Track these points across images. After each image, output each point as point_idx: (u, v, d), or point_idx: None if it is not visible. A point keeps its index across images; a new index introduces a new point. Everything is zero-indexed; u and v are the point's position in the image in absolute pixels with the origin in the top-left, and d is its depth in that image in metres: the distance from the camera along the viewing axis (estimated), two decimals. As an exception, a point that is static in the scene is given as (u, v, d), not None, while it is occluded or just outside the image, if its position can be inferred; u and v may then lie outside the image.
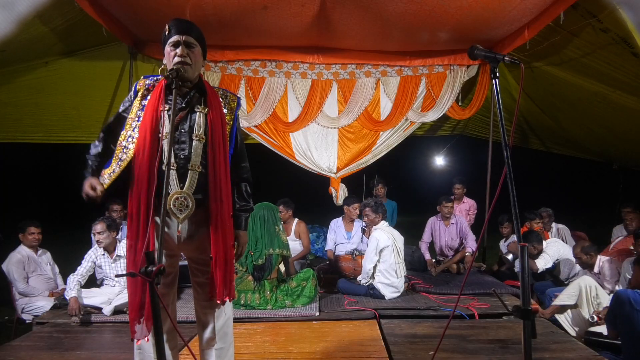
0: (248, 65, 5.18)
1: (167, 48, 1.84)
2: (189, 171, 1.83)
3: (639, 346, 2.14)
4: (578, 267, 4.10)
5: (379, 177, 5.76)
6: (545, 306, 3.74)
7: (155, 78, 1.92)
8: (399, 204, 6.15)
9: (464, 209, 5.81)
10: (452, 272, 4.78)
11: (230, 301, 1.95)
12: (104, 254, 3.73)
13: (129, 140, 1.84)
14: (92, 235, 4.65)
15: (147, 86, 1.89)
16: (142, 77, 1.95)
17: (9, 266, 3.84)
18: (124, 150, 1.84)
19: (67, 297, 3.48)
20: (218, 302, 1.90)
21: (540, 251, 4.23)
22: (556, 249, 4.26)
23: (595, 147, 6.18)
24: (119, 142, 1.87)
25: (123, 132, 1.87)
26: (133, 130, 1.84)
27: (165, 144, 1.77)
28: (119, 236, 4.06)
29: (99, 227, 3.69)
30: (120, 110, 1.94)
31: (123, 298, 3.51)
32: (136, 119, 1.85)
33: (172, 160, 1.80)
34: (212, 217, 1.84)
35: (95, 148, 1.92)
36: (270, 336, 3.14)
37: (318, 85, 5.31)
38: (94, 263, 3.72)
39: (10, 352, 2.87)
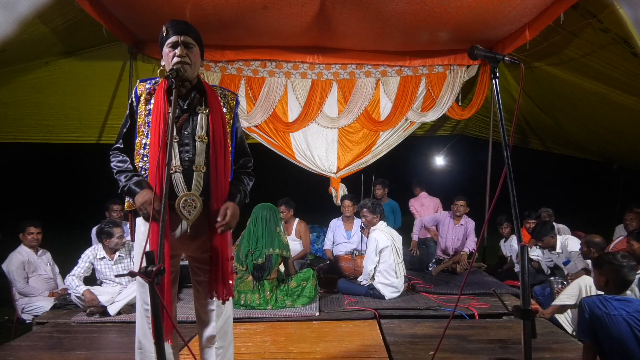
0: (248, 65, 5.18)
1: (166, 49, 1.84)
2: (194, 172, 1.84)
3: (617, 350, 2.15)
4: (580, 265, 4.08)
5: (377, 178, 5.75)
6: (544, 306, 3.73)
7: (153, 81, 1.91)
8: (398, 204, 6.14)
9: (431, 206, 5.85)
10: (453, 272, 4.78)
11: (228, 300, 1.95)
12: (104, 257, 3.69)
13: (146, 149, 1.85)
14: (91, 237, 4.66)
15: (147, 90, 1.88)
16: (138, 81, 1.94)
17: (9, 266, 3.84)
18: (144, 159, 1.85)
19: (77, 294, 3.46)
20: (218, 300, 1.90)
21: (554, 244, 4.19)
22: (576, 245, 4.16)
23: (595, 147, 6.18)
24: (136, 150, 1.88)
25: (137, 140, 1.88)
26: (146, 137, 1.85)
27: (176, 147, 1.81)
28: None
29: (118, 230, 3.70)
30: (127, 120, 1.92)
31: (128, 297, 3.51)
32: (146, 125, 1.85)
33: (178, 162, 1.82)
34: (213, 217, 1.84)
35: (124, 159, 1.89)
36: (270, 336, 3.14)
37: (318, 85, 5.31)
38: (92, 264, 3.68)
39: (10, 352, 2.87)
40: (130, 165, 1.87)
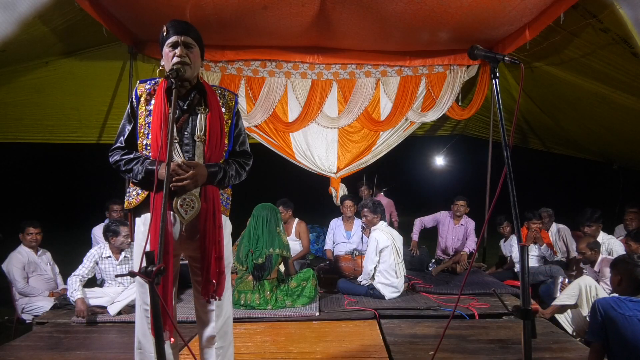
0: (248, 65, 5.18)
1: (166, 49, 1.84)
2: None
3: (629, 352, 2.14)
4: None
5: (363, 180, 5.78)
6: (547, 306, 3.73)
7: (153, 82, 1.92)
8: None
9: (388, 206, 5.95)
10: (453, 272, 4.78)
11: (218, 299, 1.93)
12: (109, 257, 3.68)
13: (147, 149, 1.85)
14: (91, 237, 4.66)
15: (147, 91, 1.89)
16: (138, 82, 1.93)
17: (9, 266, 3.83)
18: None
19: (72, 299, 3.44)
20: (205, 299, 1.90)
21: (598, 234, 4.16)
22: (619, 245, 4.12)
23: (595, 147, 6.18)
24: (138, 151, 1.89)
25: (139, 141, 1.89)
26: (147, 138, 1.85)
27: (177, 147, 1.81)
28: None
29: (125, 230, 3.69)
30: (128, 121, 1.92)
31: (129, 298, 3.50)
32: (146, 125, 1.85)
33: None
34: (202, 216, 1.84)
35: (128, 152, 1.88)
36: (270, 336, 3.14)
37: (318, 85, 5.31)
38: (97, 264, 3.68)
39: (10, 352, 2.87)
40: (137, 153, 1.87)
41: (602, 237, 4.21)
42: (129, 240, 3.72)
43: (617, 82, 4.09)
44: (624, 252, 4.04)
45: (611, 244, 4.13)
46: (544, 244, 4.54)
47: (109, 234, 3.69)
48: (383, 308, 3.62)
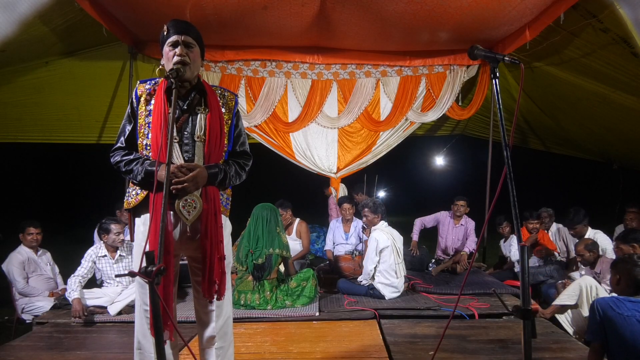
0: (248, 65, 5.18)
1: (166, 48, 1.85)
2: None
3: (627, 352, 2.14)
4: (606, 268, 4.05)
5: (359, 184, 5.77)
6: (547, 306, 3.73)
7: (153, 82, 1.92)
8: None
9: None
10: (453, 272, 4.78)
11: (220, 299, 1.93)
12: (105, 255, 3.69)
13: (147, 149, 1.85)
14: (94, 236, 4.65)
15: (147, 91, 1.89)
16: (138, 82, 1.93)
17: (9, 266, 3.83)
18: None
19: (70, 299, 3.44)
20: (207, 298, 1.89)
21: (585, 233, 4.19)
22: (606, 240, 4.12)
23: (595, 147, 6.18)
24: (139, 151, 1.89)
25: (139, 141, 1.89)
26: (147, 138, 1.85)
27: (177, 147, 1.81)
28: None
29: (116, 227, 3.67)
30: (128, 121, 1.92)
31: (129, 298, 3.50)
32: (146, 125, 1.85)
33: (179, 163, 1.81)
34: (203, 216, 1.84)
35: (128, 152, 1.88)
36: (270, 336, 3.14)
37: (318, 85, 5.31)
38: (94, 263, 3.68)
39: (10, 352, 2.87)
40: (137, 154, 1.87)
41: (589, 232, 4.22)
42: (121, 238, 3.72)
43: (617, 82, 4.09)
44: (609, 243, 4.06)
45: (596, 237, 4.12)
46: (553, 252, 4.55)
47: (101, 232, 3.70)
48: (383, 308, 3.62)
